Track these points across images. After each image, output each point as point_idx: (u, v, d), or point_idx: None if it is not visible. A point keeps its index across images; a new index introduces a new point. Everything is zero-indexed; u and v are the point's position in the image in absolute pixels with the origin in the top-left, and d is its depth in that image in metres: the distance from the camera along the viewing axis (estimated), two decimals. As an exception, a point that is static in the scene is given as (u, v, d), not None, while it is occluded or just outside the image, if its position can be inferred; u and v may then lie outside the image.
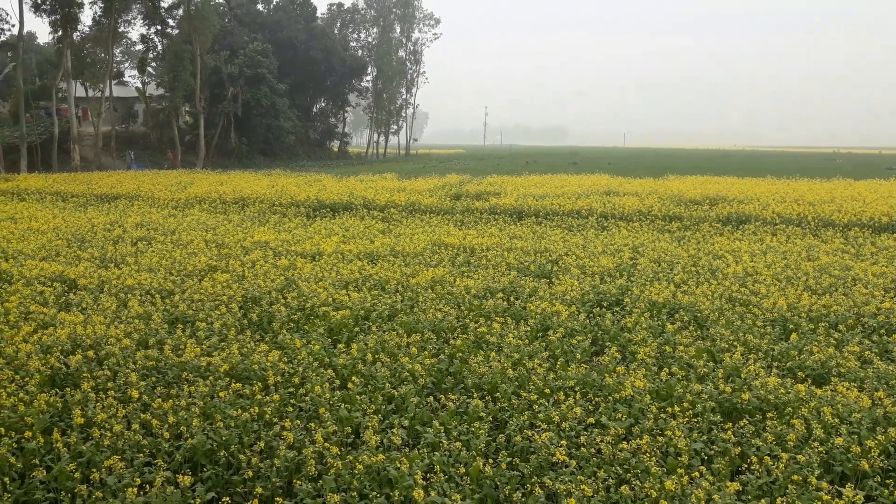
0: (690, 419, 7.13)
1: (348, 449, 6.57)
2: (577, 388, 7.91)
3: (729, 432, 6.76)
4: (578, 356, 8.99)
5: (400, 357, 8.78)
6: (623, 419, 7.16)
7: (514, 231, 20.50)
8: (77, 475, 5.89)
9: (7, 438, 6.31)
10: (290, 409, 7.45)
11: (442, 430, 6.79)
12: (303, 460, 6.20)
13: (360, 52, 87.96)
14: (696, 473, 5.99)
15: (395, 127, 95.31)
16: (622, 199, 25.98)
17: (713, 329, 10.14)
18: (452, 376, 8.49)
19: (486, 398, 7.77)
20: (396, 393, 7.73)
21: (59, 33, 52.04)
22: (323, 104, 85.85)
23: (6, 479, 5.79)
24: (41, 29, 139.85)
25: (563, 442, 6.54)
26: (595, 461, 6.31)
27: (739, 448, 6.57)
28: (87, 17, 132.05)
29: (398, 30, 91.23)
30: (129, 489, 5.56)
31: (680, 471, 5.97)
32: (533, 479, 6.00)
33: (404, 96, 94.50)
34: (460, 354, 9.01)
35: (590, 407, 7.52)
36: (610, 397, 7.69)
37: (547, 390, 7.72)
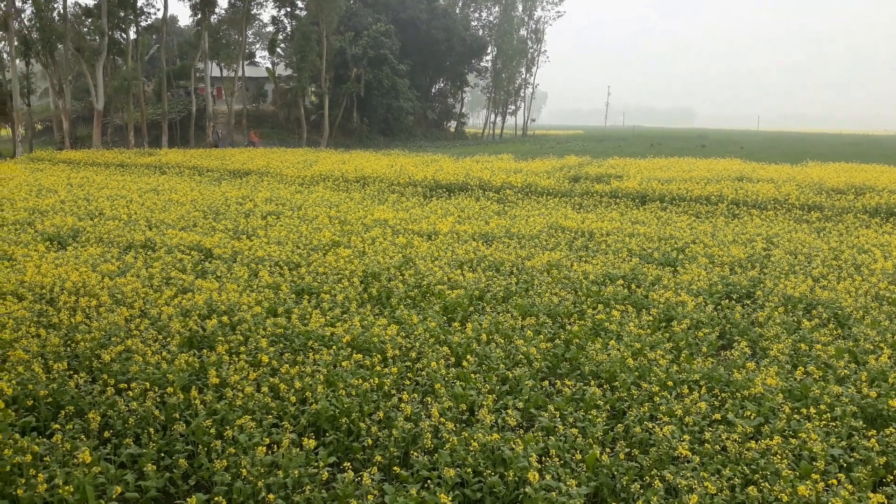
0: (828, 423, 6.64)
1: (463, 426, 6.64)
2: (702, 383, 7.59)
3: (872, 440, 6.24)
4: (704, 349, 8.59)
5: (514, 339, 8.76)
6: (752, 417, 6.78)
7: (636, 216, 19.86)
8: (212, 431, 6.29)
9: (152, 393, 6.84)
10: (408, 382, 7.62)
11: (557, 415, 6.73)
12: (419, 433, 6.32)
13: (480, 31, 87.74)
14: (834, 481, 5.58)
15: (513, 107, 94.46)
16: (755, 185, 24.44)
17: (856, 328, 9.37)
18: (568, 362, 8.37)
19: (604, 386, 7.60)
20: (511, 374, 7.72)
21: (199, 16, 55.48)
22: (442, 84, 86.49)
23: (151, 430, 6.27)
24: (182, 13, 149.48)
25: (686, 437, 6.27)
26: (720, 459, 6.02)
27: (885, 458, 6.04)
28: (223, 0, 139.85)
29: (520, 8, 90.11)
30: (259, 448, 5.85)
31: (815, 476, 5.58)
32: (652, 472, 5.81)
33: (523, 76, 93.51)
34: (577, 340, 8.85)
35: (715, 403, 7.18)
36: (738, 394, 7.31)
37: (669, 383, 7.44)
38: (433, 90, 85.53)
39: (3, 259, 12.70)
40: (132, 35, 53.68)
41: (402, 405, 6.77)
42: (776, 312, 10.01)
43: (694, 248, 14.64)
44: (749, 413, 6.84)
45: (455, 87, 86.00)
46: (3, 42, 48.86)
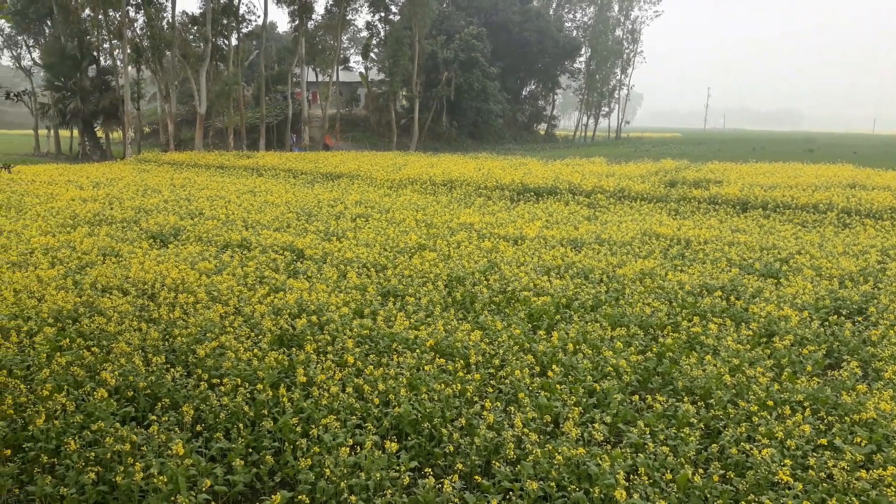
0: (952, 456, 6.04)
1: (547, 438, 6.47)
2: (806, 404, 7.10)
3: None
4: (809, 368, 8.05)
5: (603, 350, 8.49)
6: (862, 444, 6.28)
7: (736, 223, 18.97)
8: (298, 429, 6.41)
9: (243, 389, 7.03)
10: (490, 389, 7.52)
11: (647, 432, 6.45)
12: (502, 442, 6.21)
13: (574, 32, 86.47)
14: (958, 521, 5.05)
15: (607, 109, 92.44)
16: (870, 193, 22.76)
17: None
18: (660, 376, 8.03)
19: (698, 403, 7.24)
20: (598, 387, 7.48)
21: (296, 23, 57.29)
22: (532, 86, 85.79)
23: (240, 426, 6.43)
24: (281, 19, 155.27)
25: (787, 461, 5.86)
26: (825, 487, 5.60)
27: None
28: (320, 6, 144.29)
29: (616, 8, 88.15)
30: (342, 448, 5.90)
31: (935, 514, 5.07)
32: (749, 497, 5.49)
33: (618, 77, 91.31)
34: (670, 354, 8.49)
35: (821, 426, 6.70)
36: (847, 418, 6.80)
37: (770, 402, 7.01)
38: (524, 92, 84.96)
39: (110, 255, 13.51)
40: (234, 41, 56.10)
41: (485, 413, 6.67)
42: (892, 331, 9.25)
43: (799, 259, 13.79)
44: (859, 439, 6.34)
45: (546, 89, 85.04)
46: (117, 50, 52.16)
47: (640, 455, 6.05)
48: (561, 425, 6.60)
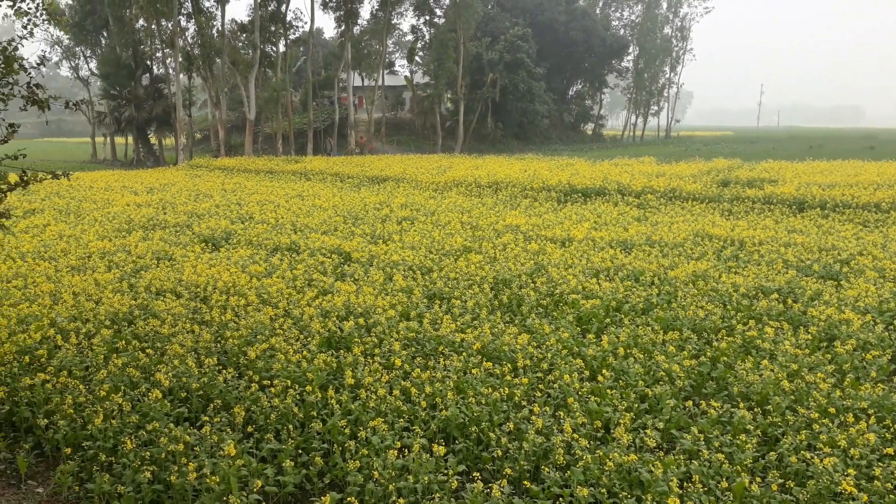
0: None
1: (597, 443, 6.36)
2: (870, 411, 6.81)
3: None
4: (874, 374, 7.72)
5: (655, 354, 8.31)
6: (933, 455, 5.97)
7: (793, 224, 18.39)
8: (347, 431, 6.43)
9: (292, 391, 7.10)
10: (539, 394, 7.43)
11: (701, 438, 6.28)
12: (551, 448, 6.11)
13: (621, 31, 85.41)
14: None
15: (656, 108, 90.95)
16: (937, 190, 21.84)
17: None
18: (715, 381, 7.82)
19: (755, 410, 7.01)
20: (650, 392, 7.31)
21: (342, 28, 57.98)
22: (579, 86, 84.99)
23: (290, 427, 6.50)
24: (327, 25, 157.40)
25: (851, 471, 5.62)
26: (892, 499, 5.37)
27: None
28: (365, 11, 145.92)
29: (665, 5, 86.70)
30: (390, 451, 5.89)
31: None
32: (810, 508, 5.25)
33: (667, 75, 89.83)
34: (725, 358, 8.26)
35: (887, 435, 6.42)
36: (915, 427, 6.47)
37: (831, 409, 6.74)
38: (570, 92, 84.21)
39: (164, 259, 13.86)
40: (281, 48, 57.02)
41: (533, 417, 6.59)
42: (962, 336, 8.81)
43: (861, 260, 13.27)
44: (929, 450, 6.03)
45: (593, 89, 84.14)
46: (169, 59, 53.65)
47: (694, 462, 5.89)
48: (612, 431, 6.47)
